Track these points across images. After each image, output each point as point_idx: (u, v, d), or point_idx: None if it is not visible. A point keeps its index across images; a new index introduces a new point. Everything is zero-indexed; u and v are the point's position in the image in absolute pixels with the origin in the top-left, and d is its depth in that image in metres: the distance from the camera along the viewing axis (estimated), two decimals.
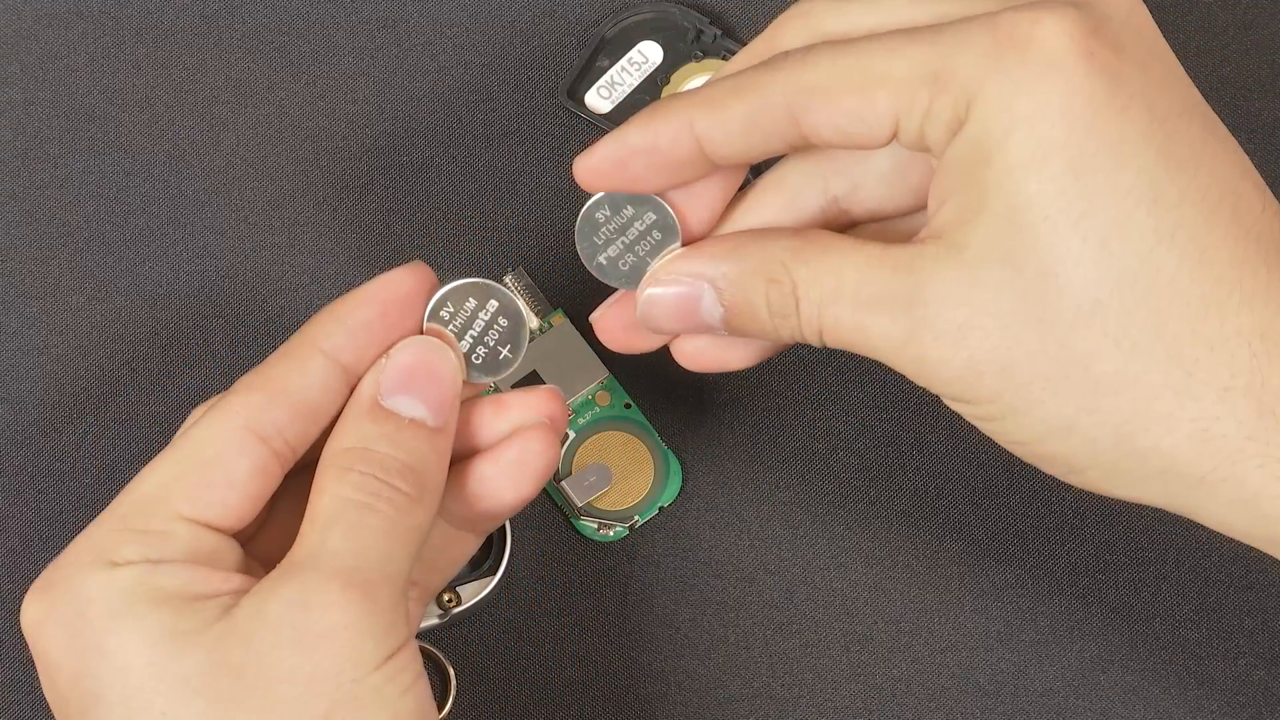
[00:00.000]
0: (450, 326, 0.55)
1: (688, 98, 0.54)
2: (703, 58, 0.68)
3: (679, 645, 0.62)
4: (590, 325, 0.58)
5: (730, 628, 0.62)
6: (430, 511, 0.53)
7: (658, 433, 0.64)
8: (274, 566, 0.52)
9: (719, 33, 0.68)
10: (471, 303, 0.56)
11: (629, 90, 0.68)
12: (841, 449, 0.64)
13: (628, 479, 0.64)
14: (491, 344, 0.56)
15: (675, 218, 0.56)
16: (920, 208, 0.56)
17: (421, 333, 0.55)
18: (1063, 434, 0.51)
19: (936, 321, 0.51)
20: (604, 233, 0.56)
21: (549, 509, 0.63)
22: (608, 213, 0.56)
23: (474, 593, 0.62)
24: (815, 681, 0.62)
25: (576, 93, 0.68)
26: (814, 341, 0.54)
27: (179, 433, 0.54)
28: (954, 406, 0.53)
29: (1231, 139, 0.52)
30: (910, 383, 0.53)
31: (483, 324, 0.56)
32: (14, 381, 0.65)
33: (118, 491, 0.53)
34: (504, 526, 0.62)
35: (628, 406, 0.64)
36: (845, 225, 0.57)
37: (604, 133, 0.67)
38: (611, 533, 0.63)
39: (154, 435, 0.64)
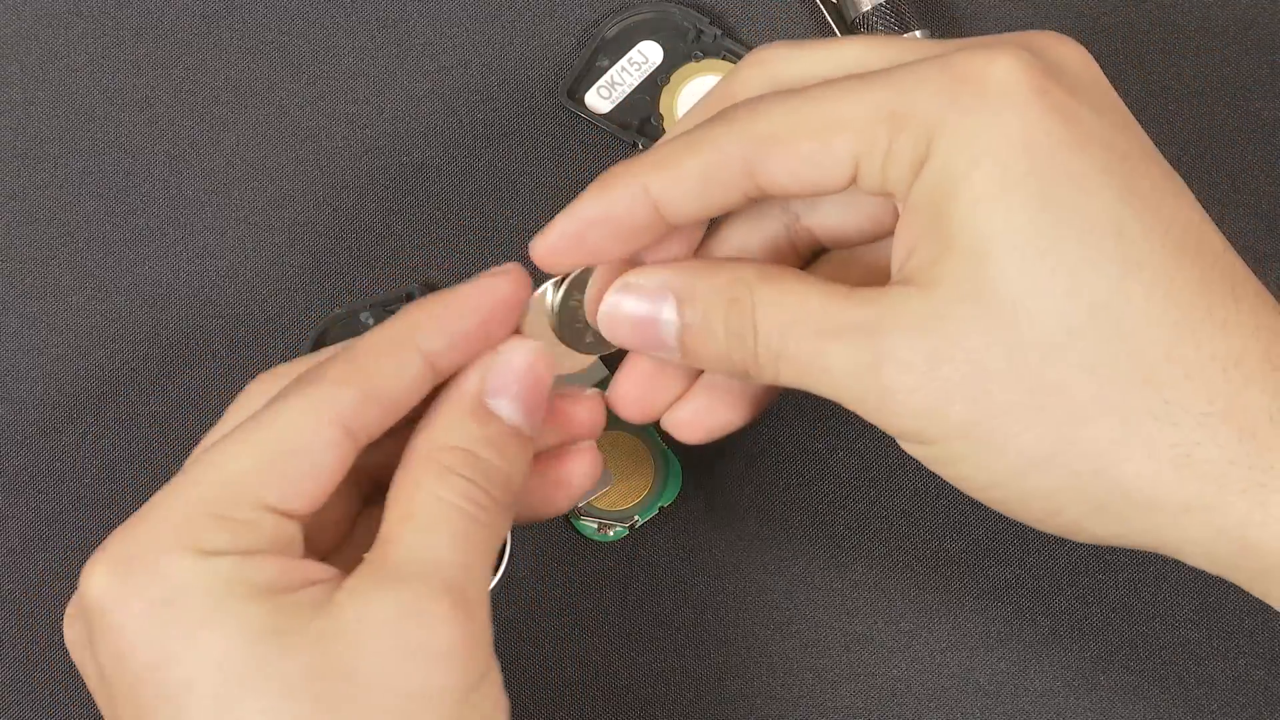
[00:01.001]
0: None
1: (639, 161, 0.53)
2: (703, 58, 0.68)
3: (679, 645, 0.62)
4: None
5: (730, 628, 0.62)
6: (510, 521, 0.53)
7: (658, 433, 0.64)
8: (313, 543, 0.52)
9: (719, 33, 0.68)
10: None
11: (629, 90, 0.68)
12: (841, 449, 0.64)
13: (628, 479, 0.64)
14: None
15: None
16: (876, 235, 0.56)
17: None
18: (1043, 466, 0.51)
19: (903, 350, 0.51)
20: (567, 330, 0.57)
21: None
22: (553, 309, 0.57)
23: None
24: (815, 681, 0.62)
25: (576, 93, 0.68)
26: (769, 372, 0.53)
27: (237, 403, 0.54)
28: (915, 450, 0.53)
29: (1187, 188, 0.52)
30: None
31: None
32: (14, 381, 0.65)
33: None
34: None
35: None
36: (810, 245, 0.57)
37: (604, 133, 0.67)
38: (611, 533, 0.63)
39: (154, 435, 0.64)
